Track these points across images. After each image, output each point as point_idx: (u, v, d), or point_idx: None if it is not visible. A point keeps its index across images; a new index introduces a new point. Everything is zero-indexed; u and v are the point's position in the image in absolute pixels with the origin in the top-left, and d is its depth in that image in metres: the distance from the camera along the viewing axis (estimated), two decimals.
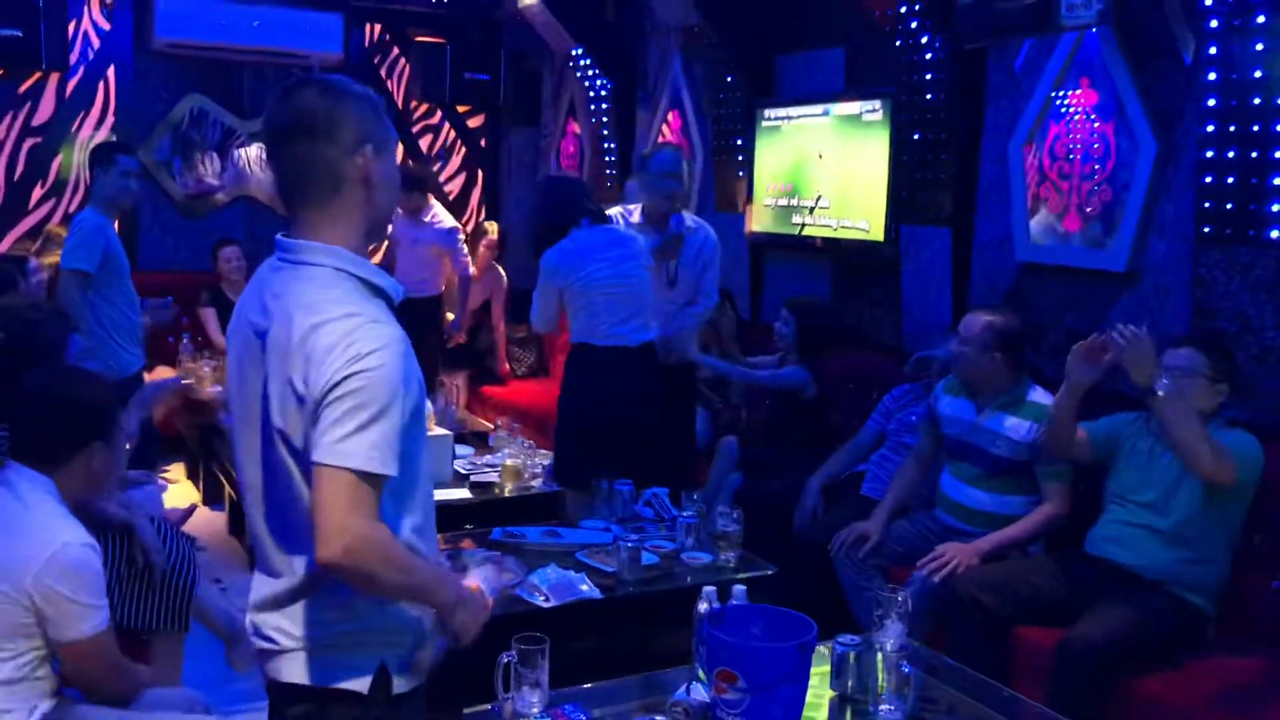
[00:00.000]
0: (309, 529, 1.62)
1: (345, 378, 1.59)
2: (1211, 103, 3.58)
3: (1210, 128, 3.59)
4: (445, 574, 1.82)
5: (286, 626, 1.75)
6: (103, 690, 2.35)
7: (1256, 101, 3.46)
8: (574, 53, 6.98)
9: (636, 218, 4.40)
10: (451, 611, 1.77)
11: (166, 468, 6.07)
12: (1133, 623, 2.96)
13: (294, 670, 1.75)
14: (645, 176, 4.39)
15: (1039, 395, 3.58)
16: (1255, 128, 3.46)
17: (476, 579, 1.90)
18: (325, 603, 1.73)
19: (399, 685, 1.77)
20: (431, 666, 1.82)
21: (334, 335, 1.61)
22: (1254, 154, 3.47)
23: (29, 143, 6.78)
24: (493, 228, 7.01)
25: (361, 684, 1.73)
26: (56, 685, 2.30)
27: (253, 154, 7.41)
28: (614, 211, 4.49)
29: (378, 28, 7.80)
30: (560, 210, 4.06)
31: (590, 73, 6.96)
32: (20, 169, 6.78)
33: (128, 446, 2.94)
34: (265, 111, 1.77)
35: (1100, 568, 3.21)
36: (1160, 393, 3.04)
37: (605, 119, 6.96)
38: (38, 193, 6.85)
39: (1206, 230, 3.63)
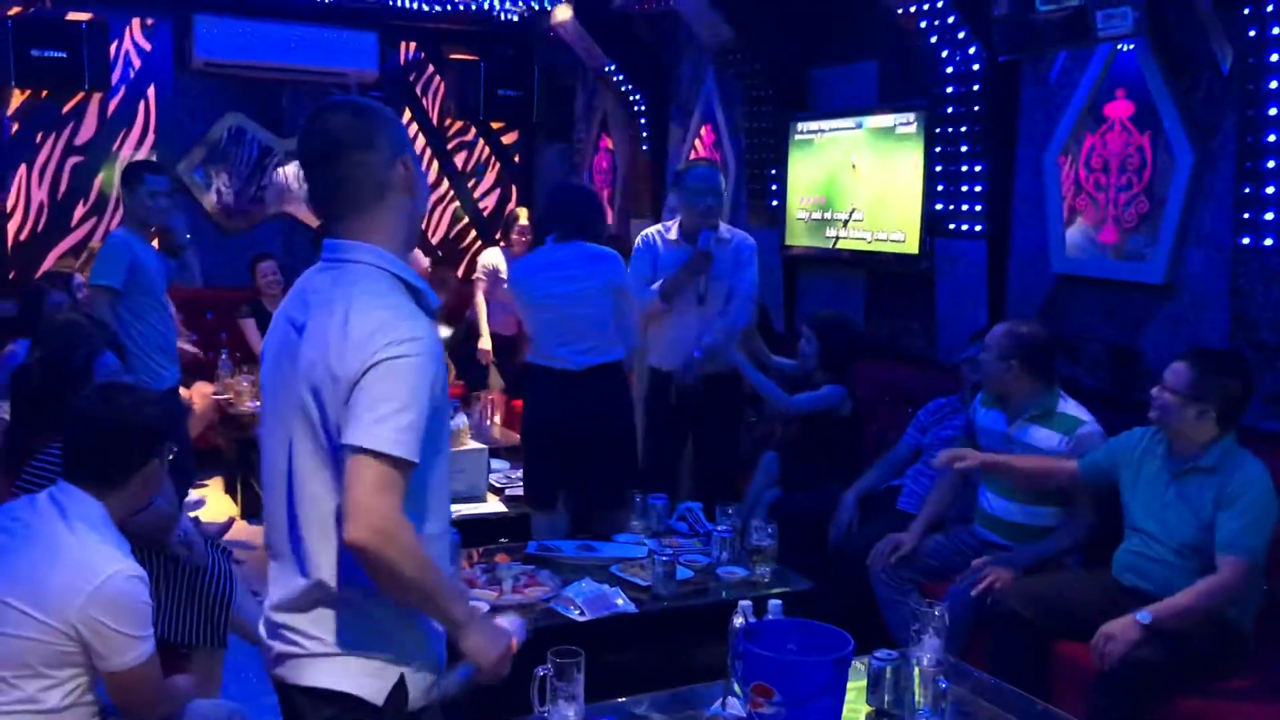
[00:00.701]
0: (335, 526, 1.66)
1: (380, 361, 1.64)
2: (1250, 112, 3.55)
3: (1249, 138, 3.56)
4: (464, 591, 1.85)
5: (308, 629, 1.76)
6: (146, 716, 2.33)
7: None
8: (607, 68, 7.02)
9: (674, 234, 4.40)
10: (466, 631, 1.77)
11: (204, 482, 6.14)
12: (1172, 638, 2.91)
13: (313, 674, 1.77)
14: (681, 192, 4.38)
15: (1070, 407, 3.55)
16: None
17: (502, 620, 1.92)
18: (350, 608, 1.75)
19: (416, 700, 1.78)
20: (452, 695, 1.81)
21: (374, 322, 1.67)
22: None
23: (72, 161, 6.91)
24: (523, 213, 6.79)
25: (378, 694, 1.75)
26: (100, 709, 2.30)
27: (291, 171, 7.50)
28: (652, 230, 4.52)
29: (413, 45, 7.88)
30: (546, 216, 4.09)
31: (623, 88, 6.99)
32: (63, 187, 6.91)
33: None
34: (300, 134, 1.83)
35: (1130, 590, 3.17)
36: (1145, 622, 2.88)
37: (638, 134, 6.98)
38: (80, 210, 6.97)
39: (1245, 241, 3.59)
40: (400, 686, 1.76)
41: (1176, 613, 2.90)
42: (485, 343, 6.61)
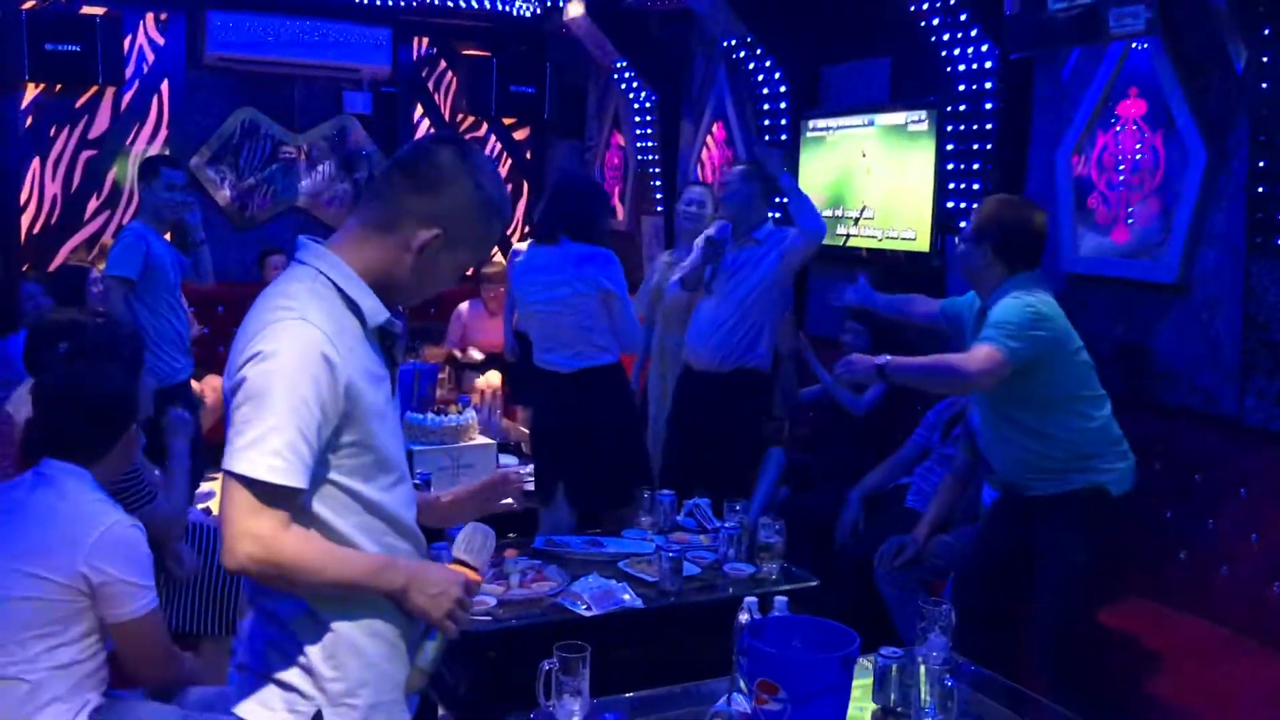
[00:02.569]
0: None
1: (245, 377, 1.58)
2: (1264, 111, 3.53)
3: (1262, 137, 3.54)
4: (389, 561, 1.71)
5: (241, 638, 1.75)
6: (153, 673, 2.42)
7: None
8: (618, 65, 7.01)
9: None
10: (404, 597, 1.68)
11: (215, 475, 6.15)
12: (1071, 569, 3.04)
13: (238, 696, 1.72)
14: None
15: None
16: None
17: (460, 550, 1.81)
18: (271, 623, 1.69)
19: None
20: (429, 668, 1.76)
21: (255, 327, 1.61)
22: None
23: (85, 155, 6.93)
24: None
25: None
26: (107, 678, 2.36)
27: (324, 170, 7.54)
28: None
29: (425, 41, 7.89)
30: (541, 215, 4.08)
31: (634, 85, 6.99)
32: (77, 181, 6.93)
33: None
34: (409, 145, 1.79)
35: (1011, 500, 3.23)
36: (883, 365, 3.06)
37: (649, 131, 6.97)
38: (93, 204, 7.00)
39: (1258, 240, 3.57)
40: None
41: (911, 364, 3.11)
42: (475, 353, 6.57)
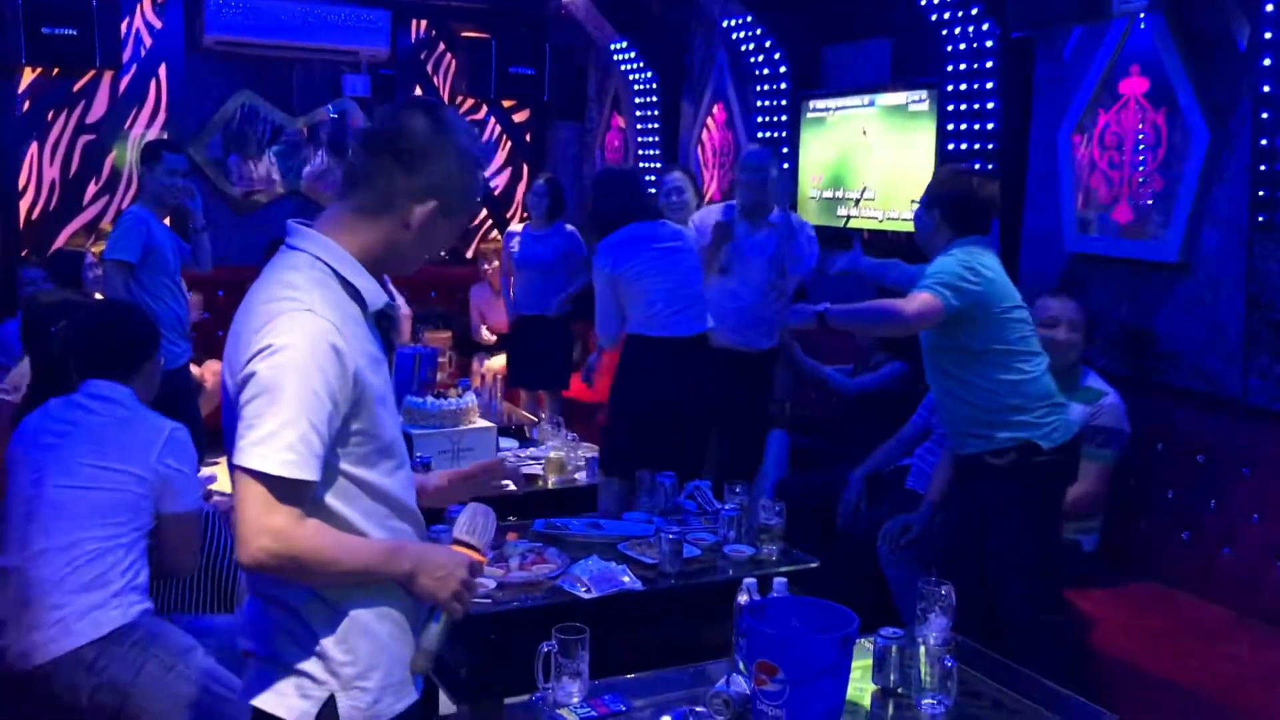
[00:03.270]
0: None
1: (255, 371, 1.56)
2: (1267, 89, 3.50)
3: (1265, 114, 3.51)
4: (397, 546, 1.71)
5: (247, 625, 1.74)
6: (188, 566, 2.76)
7: None
8: (618, 46, 6.98)
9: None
10: (412, 581, 1.68)
11: (215, 460, 6.15)
12: (1016, 532, 3.11)
13: (246, 681, 1.72)
14: (739, 172, 4.63)
15: (1094, 380, 3.60)
16: None
17: (462, 532, 1.80)
18: (276, 606, 1.68)
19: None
20: (433, 649, 1.74)
21: (260, 319, 1.59)
22: None
23: (83, 139, 6.90)
24: None
25: (301, 715, 1.65)
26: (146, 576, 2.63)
27: (316, 160, 7.54)
28: (715, 209, 4.69)
29: (424, 23, 7.85)
30: (622, 201, 4.13)
31: (634, 66, 6.95)
32: (75, 166, 6.91)
33: None
34: (377, 114, 1.76)
35: (960, 467, 3.30)
36: (822, 311, 3.14)
37: (649, 112, 6.94)
38: (92, 189, 6.97)
39: (1261, 219, 3.55)
40: (329, 710, 1.66)
41: (845, 311, 3.19)
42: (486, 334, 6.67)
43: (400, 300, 5.13)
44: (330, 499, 1.64)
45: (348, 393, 1.60)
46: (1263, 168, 3.53)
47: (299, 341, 1.56)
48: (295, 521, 1.56)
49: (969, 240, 3.17)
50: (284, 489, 1.55)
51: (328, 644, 1.65)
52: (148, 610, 2.57)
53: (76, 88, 6.84)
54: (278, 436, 1.54)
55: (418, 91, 7.83)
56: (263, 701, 1.67)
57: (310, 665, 1.66)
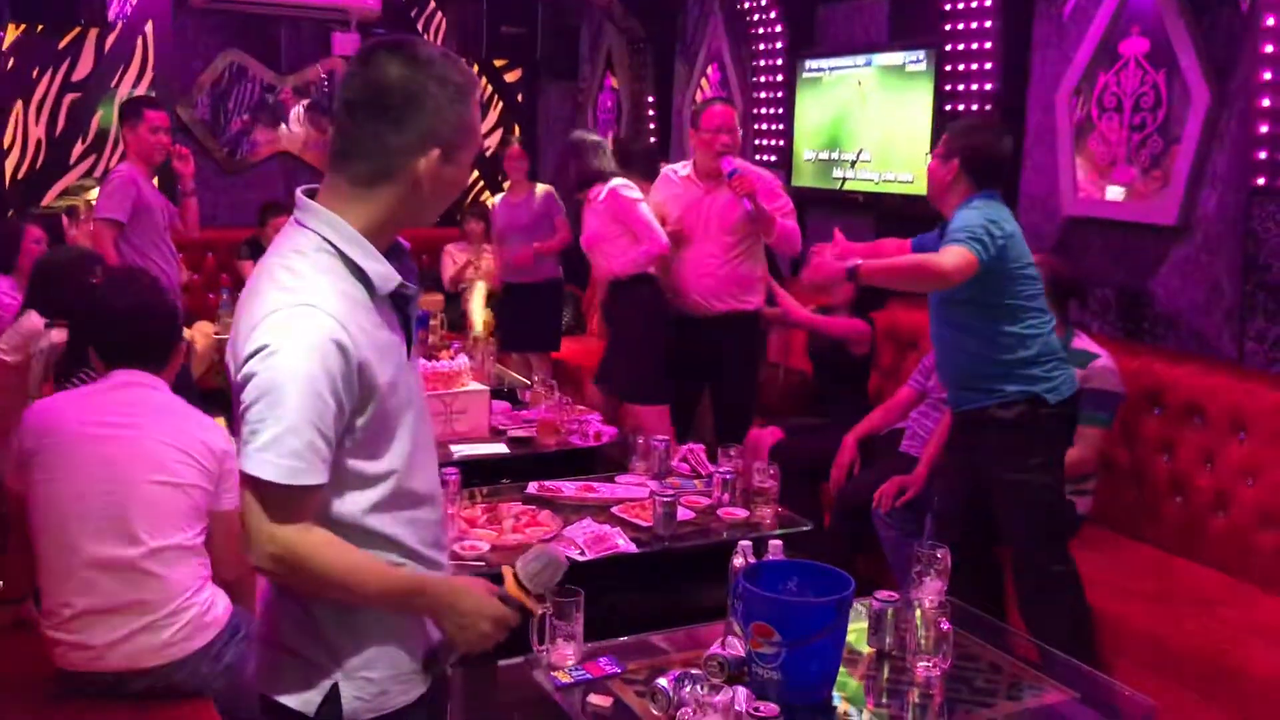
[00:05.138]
0: None
1: (255, 372, 1.49)
2: (1269, 49, 3.47)
3: (1267, 75, 3.48)
4: (416, 585, 1.63)
5: (259, 609, 1.71)
6: (235, 566, 2.57)
7: None
8: (612, 5, 6.88)
9: (688, 171, 4.50)
10: (440, 618, 1.64)
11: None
12: (1023, 489, 3.09)
13: (254, 667, 1.70)
14: (699, 131, 4.39)
15: (1085, 342, 3.56)
16: None
17: (521, 573, 1.73)
18: (278, 601, 1.64)
19: (357, 714, 1.62)
20: (440, 669, 1.70)
21: (261, 310, 1.51)
22: None
23: (69, 98, 6.81)
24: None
25: (307, 705, 1.61)
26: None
27: (296, 115, 7.43)
28: (669, 169, 4.58)
29: None
30: (600, 159, 4.53)
31: (628, 25, 6.86)
32: (61, 125, 6.82)
33: None
34: (344, 73, 1.62)
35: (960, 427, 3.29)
36: (854, 267, 3.07)
37: (643, 73, 6.86)
38: (78, 148, 6.89)
39: (1260, 182, 3.53)
40: (333, 699, 1.61)
41: (878, 268, 3.09)
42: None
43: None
44: (337, 497, 1.57)
45: (354, 389, 1.52)
46: (1263, 129, 3.50)
47: (298, 342, 1.47)
48: (301, 530, 1.51)
49: (986, 195, 3.14)
50: (288, 495, 1.49)
51: (332, 632, 1.61)
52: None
53: (61, 45, 6.74)
54: (281, 442, 1.47)
55: None
56: (268, 688, 1.64)
57: (314, 652, 1.61)
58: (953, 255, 2.95)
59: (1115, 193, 4.04)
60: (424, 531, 1.68)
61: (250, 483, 1.50)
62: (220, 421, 2.69)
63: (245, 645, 2.49)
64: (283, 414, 1.47)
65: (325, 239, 1.56)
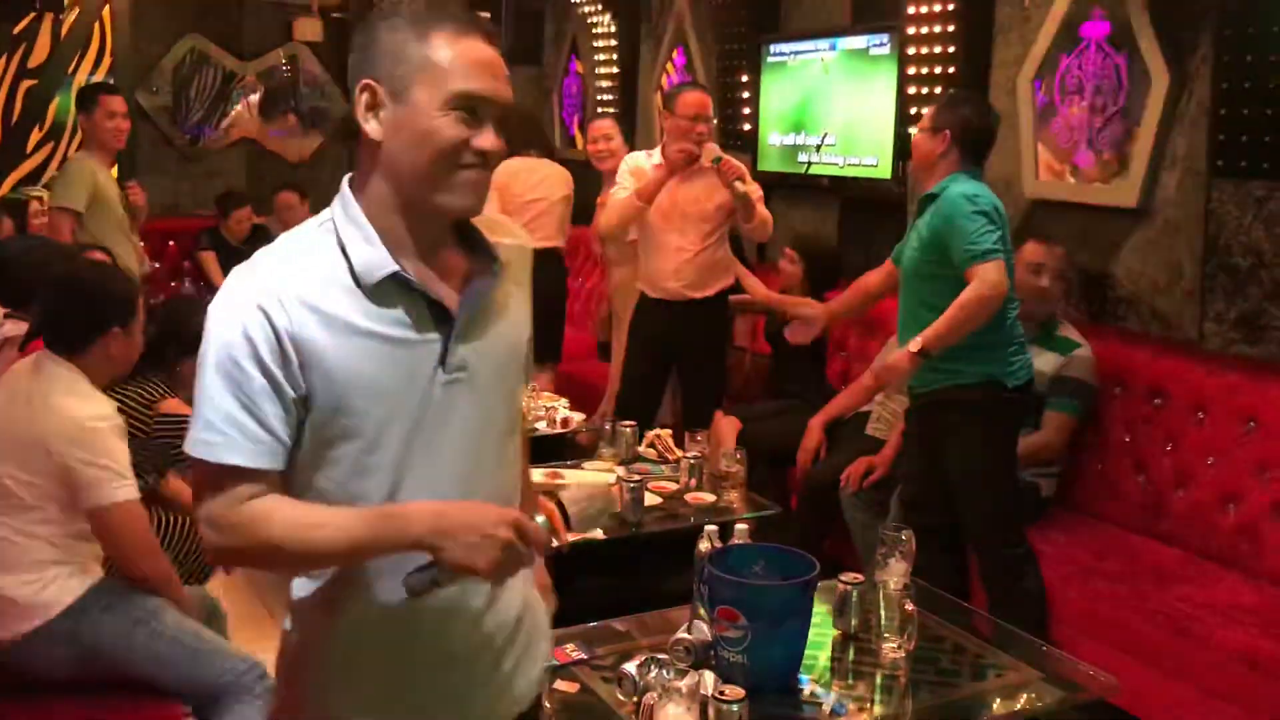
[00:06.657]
0: None
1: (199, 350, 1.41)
2: (1228, 31, 3.49)
3: (1225, 57, 3.50)
4: (387, 510, 1.38)
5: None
6: (136, 567, 2.49)
7: (1276, 29, 3.36)
8: None
9: (658, 158, 4.32)
10: (430, 550, 1.34)
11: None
12: (976, 471, 3.14)
13: None
14: (674, 116, 4.26)
15: (1069, 331, 3.66)
16: (1273, 57, 3.37)
17: (568, 497, 1.58)
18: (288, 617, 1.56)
19: None
20: (418, 592, 1.43)
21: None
22: (1271, 85, 3.38)
23: (25, 85, 6.70)
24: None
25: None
26: (105, 557, 2.51)
27: (252, 100, 7.35)
28: (639, 155, 4.49)
29: None
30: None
31: (593, 9, 6.84)
32: (17, 112, 6.71)
33: None
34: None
35: (916, 410, 3.31)
36: (919, 350, 3.03)
37: (608, 58, 6.84)
38: (35, 136, 6.78)
39: (1220, 164, 3.56)
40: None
41: (938, 331, 3.02)
42: None
43: None
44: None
45: (291, 368, 1.35)
46: (1223, 111, 3.53)
47: (220, 307, 1.37)
48: (229, 508, 1.37)
49: (970, 172, 3.14)
50: (215, 474, 1.37)
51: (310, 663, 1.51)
52: (105, 578, 2.52)
53: (17, 30, 6.62)
54: (198, 415, 1.37)
55: None
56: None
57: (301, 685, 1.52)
58: (990, 274, 2.98)
59: (1077, 176, 4.06)
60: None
61: (192, 461, 1.41)
62: None
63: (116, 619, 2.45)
64: (202, 384, 1.38)
65: (331, 218, 1.44)
